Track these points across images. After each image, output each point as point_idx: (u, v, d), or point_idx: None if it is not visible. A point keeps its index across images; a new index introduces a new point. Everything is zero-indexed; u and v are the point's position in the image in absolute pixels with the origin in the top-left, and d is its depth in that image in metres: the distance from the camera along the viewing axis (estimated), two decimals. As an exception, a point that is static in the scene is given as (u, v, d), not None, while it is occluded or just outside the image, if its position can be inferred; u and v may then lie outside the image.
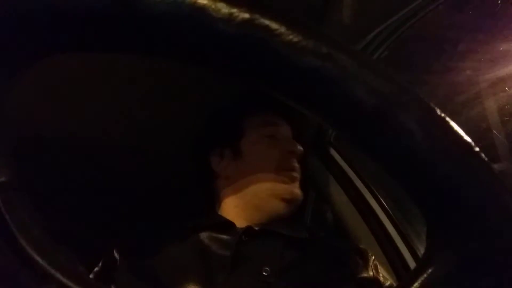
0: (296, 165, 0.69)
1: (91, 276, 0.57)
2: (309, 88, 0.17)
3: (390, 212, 0.85)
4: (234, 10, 0.16)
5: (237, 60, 0.17)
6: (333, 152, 0.98)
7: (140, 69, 0.75)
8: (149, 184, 1.05)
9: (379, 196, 0.87)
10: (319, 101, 0.18)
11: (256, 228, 0.63)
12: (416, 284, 0.18)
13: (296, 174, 0.68)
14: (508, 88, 0.88)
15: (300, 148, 0.69)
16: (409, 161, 0.17)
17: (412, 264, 0.79)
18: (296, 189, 0.67)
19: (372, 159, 0.19)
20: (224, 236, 0.61)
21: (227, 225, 0.63)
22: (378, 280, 0.60)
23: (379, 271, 0.63)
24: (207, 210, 0.73)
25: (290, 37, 0.17)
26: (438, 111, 0.17)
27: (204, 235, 0.62)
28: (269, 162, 0.68)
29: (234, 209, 0.68)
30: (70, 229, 1.34)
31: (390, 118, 0.17)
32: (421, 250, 0.93)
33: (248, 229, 0.62)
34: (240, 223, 0.64)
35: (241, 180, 0.68)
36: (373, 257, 0.66)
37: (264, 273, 0.54)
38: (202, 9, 0.16)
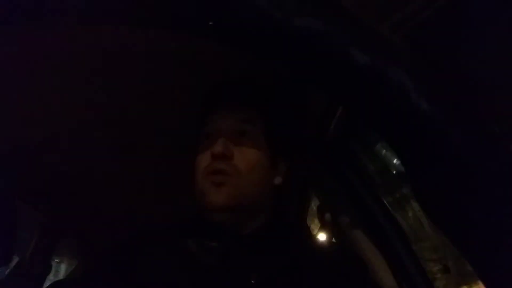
0: (220, 166, 0.59)
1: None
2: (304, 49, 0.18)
3: (390, 212, 0.83)
4: None
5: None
6: (332, 152, 0.96)
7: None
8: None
9: (379, 197, 0.86)
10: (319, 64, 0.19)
11: (244, 233, 0.60)
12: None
13: (219, 178, 0.59)
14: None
15: (218, 147, 0.59)
16: (400, 111, 0.17)
17: (411, 267, 0.77)
18: (214, 197, 0.58)
19: (364, 114, 0.19)
20: (211, 243, 0.58)
21: (215, 230, 0.60)
22: None
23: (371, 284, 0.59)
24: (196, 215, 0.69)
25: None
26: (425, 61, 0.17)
27: (191, 242, 0.59)
28: (198, 168, 0.62)
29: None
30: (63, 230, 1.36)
31: (383, 72, 0.17)
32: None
33: (235, 234, 0.60)
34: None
35: (195, 190, 0.63)
36: (368, 270, 0.63)
37: (251, 281, 0.53)
38: None
